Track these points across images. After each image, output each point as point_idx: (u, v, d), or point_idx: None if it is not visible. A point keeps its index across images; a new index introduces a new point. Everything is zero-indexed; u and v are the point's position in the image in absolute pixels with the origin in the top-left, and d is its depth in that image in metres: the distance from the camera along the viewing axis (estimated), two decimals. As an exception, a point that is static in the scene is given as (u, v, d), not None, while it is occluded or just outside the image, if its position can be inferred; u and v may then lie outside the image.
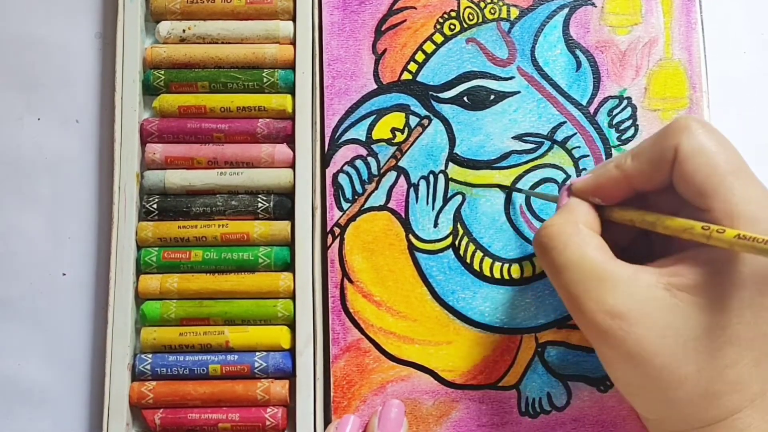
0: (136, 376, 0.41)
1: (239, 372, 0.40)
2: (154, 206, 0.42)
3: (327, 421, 0.40)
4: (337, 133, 0.42)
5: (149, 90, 0.43)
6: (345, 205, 0.42)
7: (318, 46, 0.43)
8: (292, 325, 0.41)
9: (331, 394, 0.40)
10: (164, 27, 0.43)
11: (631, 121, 0.42)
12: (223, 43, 0.43)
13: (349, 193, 0.42)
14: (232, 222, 0.42)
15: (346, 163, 0.42)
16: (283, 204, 0.42)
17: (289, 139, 0.43)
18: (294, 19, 0.43)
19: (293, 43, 0.43)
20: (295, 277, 0.41)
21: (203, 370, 0.40)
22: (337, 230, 0.41)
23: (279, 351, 0.41)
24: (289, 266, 0.42)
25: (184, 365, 0.40)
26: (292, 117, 0.43)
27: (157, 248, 0.42)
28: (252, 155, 0.42)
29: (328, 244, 0.41)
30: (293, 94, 0.43)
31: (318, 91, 0.43)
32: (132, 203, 0.42)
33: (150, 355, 0.41)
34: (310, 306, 0.41)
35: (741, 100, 0.44)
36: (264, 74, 0.43)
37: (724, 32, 0.45)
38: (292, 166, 0.42)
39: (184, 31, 0.43)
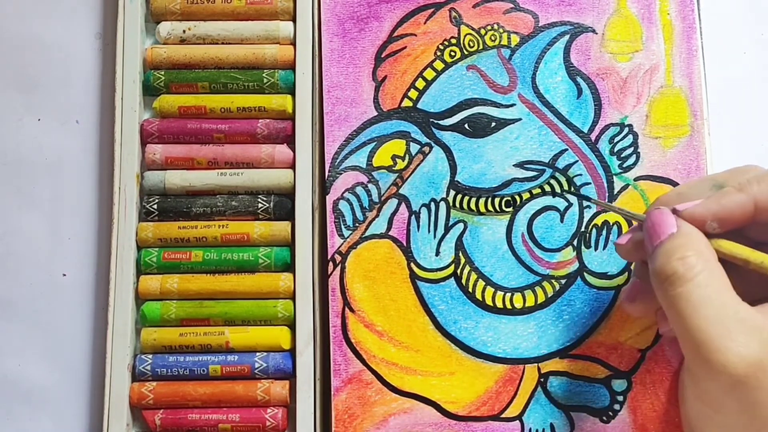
0: (137, 376, 0.40)
1: (239, 372, 0.40)
2: (155, 207, 0.41)
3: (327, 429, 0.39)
4: (338, 160, 0.41)
5: (149, 90, 0.42)
6: (346, 233, 0.40)
7: (318, 49, 0.42)
8: (292, 326, 0.40)
9: (333, 428, 0.39)
10: (164, 27, 0.43)
11: (632, 149, 0.41)
12: (223, 43, 0.43)
13: (350, 221, 0.41)
14: (233, 222, 0.41)
15: (347, 190, 0.41)
16: (283, 204, 0.41)
17: (289, 140, 0.42)
18: (294, 20, 0.43)
19: (293, 43, 0.42)
20: (296, 278, 0.40)
21: (203, 370, 0.40)
22: (338, 258, 0.40)
23: (279, 351, 0.40)
24: (289, 267, 0.41)
25: (185, 366, 0.40)
26: (292, 117, 0.42)
27: (157, 249, 0.41)
28: (252, 156, 0.42)
29: (329, 272, 0.40)
30: (293, 94, 0.42)
31: (317, 94, 0.42)
32: (132, 204, 0.41)
33: (150, 356, 0.40)
34: (310, 306, 0.40)
35: (741, 101, 0.44)
36: (264, 75, 0.42)
37: (723, 33, 0.44)
38: (293, 166, 0.41)
39: (184, 31, 0.43)
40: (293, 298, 0.40)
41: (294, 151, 0.42)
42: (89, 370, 0.41)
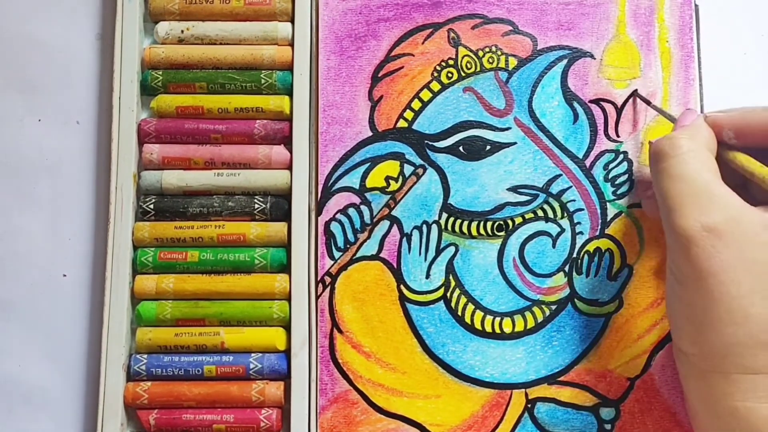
0: (131, 376, 0.40)
1: (234, 373, 0.40)
2: (151, 206, 0.41)
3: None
4: (331, 181, 0.41)
5: (147, 90, 0.42)
6: (336, 254, 0.40)
7: (315, 53, 0.42)
8: (287, 327, 0.40)
9: (318, 447, 0.39)
10: (163, 27, 0.43)
11: (626, 176, 0.41)
12: (221, 44, 0.43)
13: (341, 242, 0.41)
14: (229, 223, 0.41)
15: (339, 211, 0.41)
16: (279, 205, 0.41)
17: (287, 141, 0.42)
18: (292, 21, 0.43)
19: (291, 44, 0.42)
20: (291, 279, 0.40)
21: (198, 370, 0.40)
22: (327, 279, 0.40)
23: (274, 352, 0.40)
24: (285, 268, 0.41)
25: (179, 366, 0.40)
26: (289, 118, 0.42)
27: (153, 248, 0.41)
28: (249, 156, 0.41)
29: (319, 294, 0.40)
30: (291, 95, 0.42)
31: (314, 95, 0.42)
32: (129, 203, 0.41)
33: (145, 356, 0.40)
34: (305, 308, 0.40)
35: (740, 102, 0.42)
36: (262, 75, 0.42)
37: (723, 34, 0.44)
38: (290, 167, 0.41)
39: (182, 31, 0.43)
40: (289, 299, 0.40)
41: (291, 152, 0.42)
42: (87, 369, 0.42)
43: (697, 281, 0.32)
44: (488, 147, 0.41)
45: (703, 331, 0.32)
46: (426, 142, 0.42)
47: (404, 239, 0.41)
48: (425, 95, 0.42)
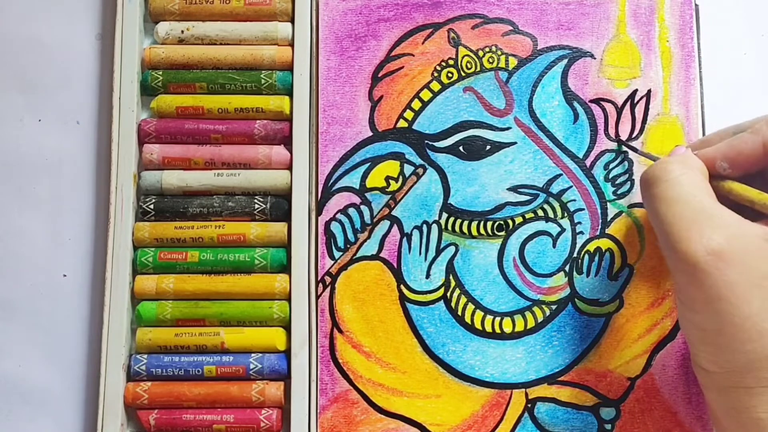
0: (131, 376, 0.40)
1: (234, 373, 0.40)
2: (151, 207, 0.41)
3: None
4: (331, 181, 0.41)
5: (147, 90, 0.43)
6: (337, 254, 0.40)
7: (315, 53, 0.42)
8: (287, 327, 0.40)
9: (318, 447, 0.39)
10: (163, 28, 0.43)
11: (627, 176, 0.41)
12: (221, 44, 0.43)
13: (341, 242, 0.41)
14: (229, 223, 0.41)
15: (339, 211, 0.41)
16: (279, 205, 0.41)
17: (287, 141, 0.42)
18: (292, 21, 0.43)
19: (291, 44, 0.43)
20: (291, 279, 0.40)
21: (198, 371, 0.40)
22: (328, 279, 0.40)
23: (274, 352, 0.40)
24: (285, 268, 0.41)
25: (179, 366, 0.40)
26: (289, 118, 0.42)
27: (153, 249, 0.41)
28: (249, 156, 0.42)
29: (319, 293, 0.40)
30: (291, 95, 0.42)
31: (314, 95, 0.42)
32: (129, 204, 0.41)
33: (145, 356, 0.40)
34: (305, 308, 0.40)
35: (740, 102, 0.43)
36: (262, 76, 0.42)
37: (723, 33, 0.44)
38: (290, 167, 0.41)
39: (182, 31, 0.43)
40: (289, 299, 0.41)
41: (291, 153, 0.42)
42: (87, 369, 0.42)
43: (707, 306, 0.31)
44: (488, 147, 0.42)
45: (720, 351, 0.32)
46: (426, 142, 0.42)
47: (404, 239, 0.41)
48: (425, 95, 0.42)
